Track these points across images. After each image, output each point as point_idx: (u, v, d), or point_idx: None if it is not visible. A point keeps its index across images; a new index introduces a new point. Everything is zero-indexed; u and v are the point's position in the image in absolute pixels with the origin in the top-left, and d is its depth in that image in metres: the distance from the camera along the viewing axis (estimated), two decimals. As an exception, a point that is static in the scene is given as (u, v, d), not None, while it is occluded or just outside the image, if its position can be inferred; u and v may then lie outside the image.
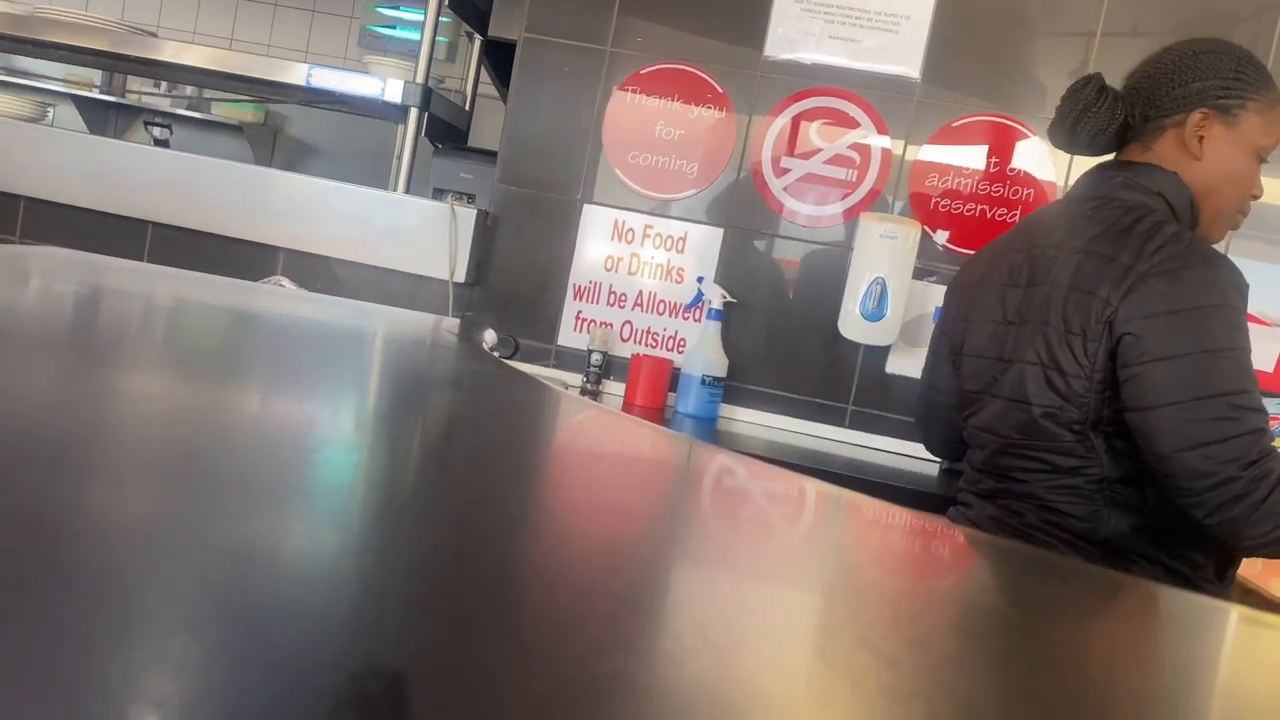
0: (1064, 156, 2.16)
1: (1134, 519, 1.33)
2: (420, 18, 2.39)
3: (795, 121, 2.24)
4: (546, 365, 2.32)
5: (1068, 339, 1.34)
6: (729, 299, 2.21)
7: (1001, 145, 2.19)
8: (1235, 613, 0.47)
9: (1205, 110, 1.38)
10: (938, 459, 2.05)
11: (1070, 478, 1.36)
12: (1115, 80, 1.50)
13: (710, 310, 2.20)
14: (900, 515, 0.57)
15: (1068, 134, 1.49)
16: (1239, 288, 1.27)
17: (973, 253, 2.20)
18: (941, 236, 2.21)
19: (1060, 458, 1.37)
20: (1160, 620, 0.46)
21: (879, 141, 2.22)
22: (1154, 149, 1.42)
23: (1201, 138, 1.39)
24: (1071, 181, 2.16)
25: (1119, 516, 1.34)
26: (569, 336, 2.32)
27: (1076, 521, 1.36)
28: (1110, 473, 1.34)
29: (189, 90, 4.51)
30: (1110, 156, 1.50)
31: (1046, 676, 0.32)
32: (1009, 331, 1.44)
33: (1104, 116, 1.44)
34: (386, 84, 2.33)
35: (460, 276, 2.25)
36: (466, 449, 0.54)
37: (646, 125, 2.28)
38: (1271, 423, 1.27)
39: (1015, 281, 1.46)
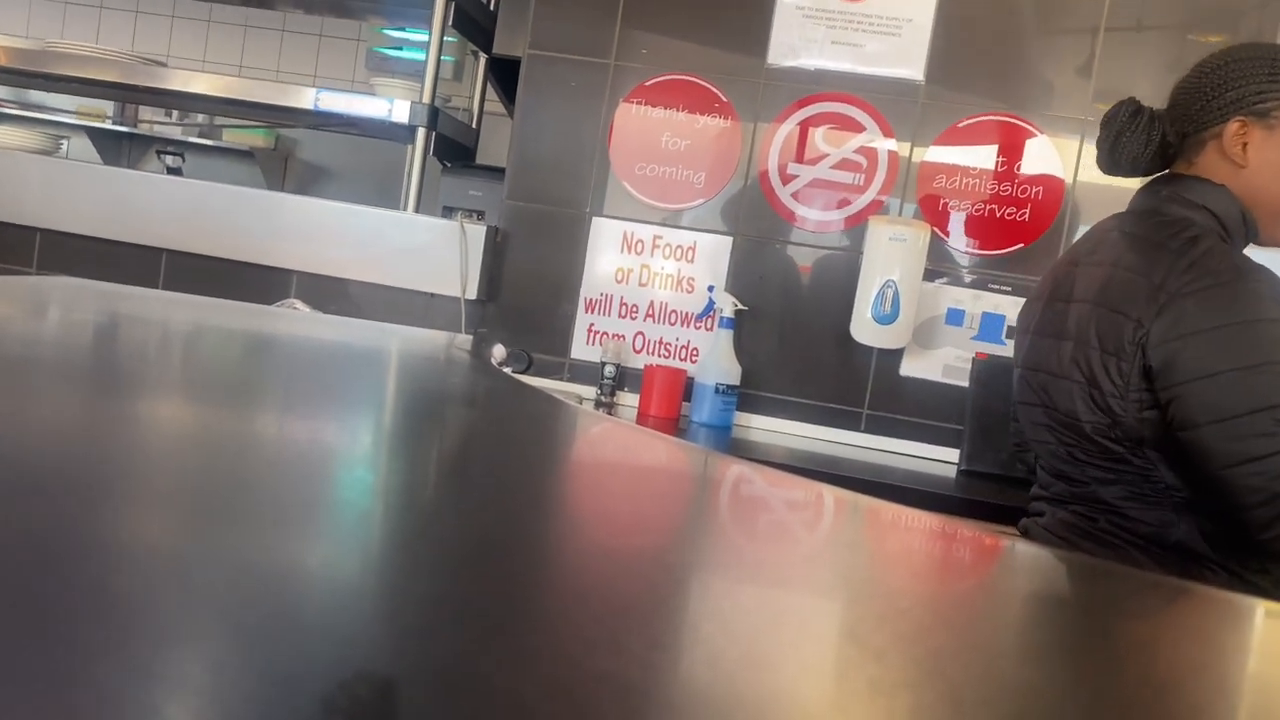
0: (1072, 154, 2.16)
1: (1205, 525, 1.32)
2: (425, 38, 2.41)
3: (801, 128, 2.25)
4: (560, 379, 2.32)
5: (1103, 358, 1.34)
6: (740, 307, 2.22)
7: (1009, 144, 2.18)
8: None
9: (1241, 118, 1.36)
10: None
11: (1134, 486, 1.35)
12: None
13: (722, 319, 2.20)
14: (918, 520, 0.57)
15: (1108, 159, 1.48)
16: (1278, 299, 1.25)
17: (984, 254, 2.20)
18: (953, 239, 2.21)
19: (1121, 467, 1.36)
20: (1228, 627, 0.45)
21: (885, 145, 2.22)
22: (1197, 163, 1.40)
23: (1245, 145, 1.36)
24: (1081, 179, 2.16)
25: (1189, 522, 1.32)
26: (582, 349, 2.32)
27: (1145, 526, 1.34)
28: (1174, 482, 1.32)
29: (200, 118, 4.55)
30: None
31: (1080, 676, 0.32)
32: (1056, 346, 1.44)
33: (1140, 139, 1.42)
34: (394, 105, 2.35)
35: (472, 293, 2.26)
36: (471, 465, 0.55)
37: (652, 137, 2.29)
38: None
39: (1061, 296, 1.47)
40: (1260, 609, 0.46)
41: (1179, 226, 1.34)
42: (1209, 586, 0.47)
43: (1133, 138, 1.43)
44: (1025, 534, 1.53)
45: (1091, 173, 2.16)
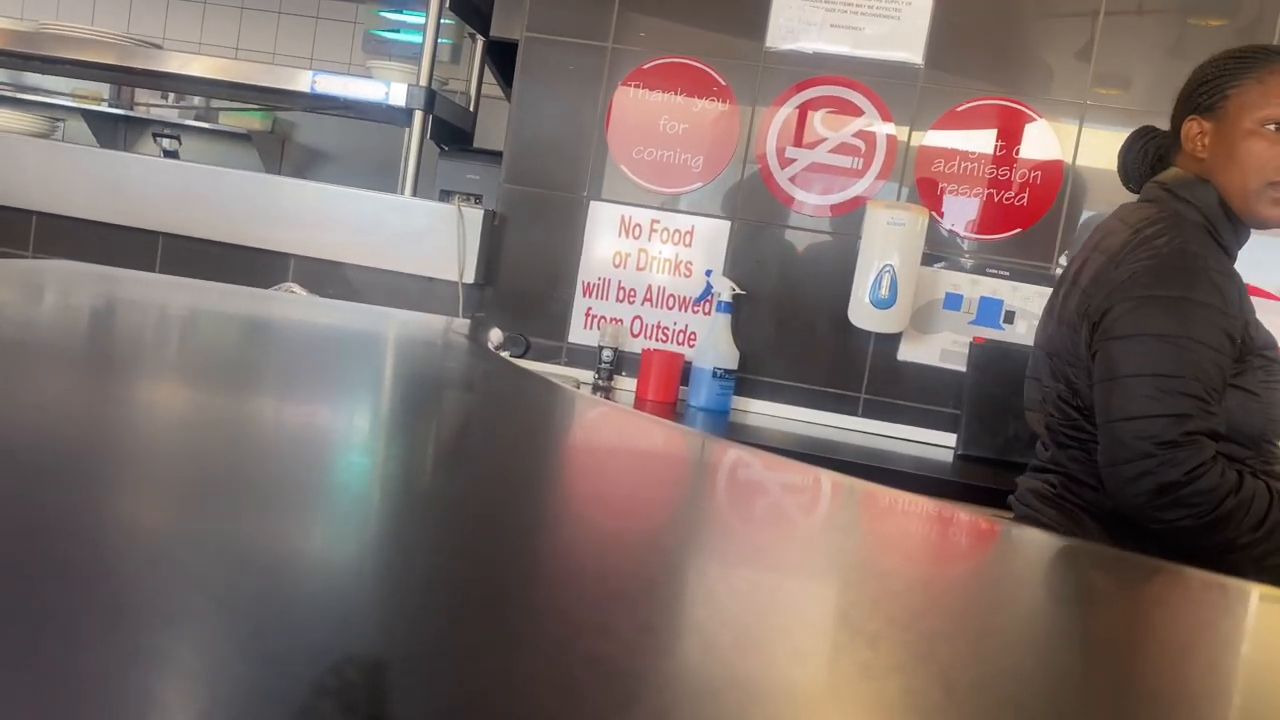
0: (1071, 138, 2.15)
1: None
2: (422, 21, 2.39)
3: (799, 111, 2.24)
4: (558, 363, 2.32)
5: (1061, 329, 1.47)
6: (738, 291, 2.21)
7: (1008, 128, 2.18)
8: (1214, 583, 0.47)
9: (1193, 117, 1.47)
10: None
11: (1088, 451, 1.42)
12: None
13: (720, 303, 2.20)
14: (903, 501, 0.57)
15: (1123, 175, 1.62)
16: (1219, 287, 1.33)
17: (982, 238, 2.20)
18: (952, 223, 2.20)
19: (1080, 435, 1.44)
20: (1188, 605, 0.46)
21: (884, 129, 2.21)
22: (1179, 162, 1.51)
23: (1205, 142, 1.46)
24: (1079, 163, 2.16)
25: None
26: (579, 333, 2.32)
27: (1089, 491, 1.43)
28: None
29: (196, 101, 4.52)
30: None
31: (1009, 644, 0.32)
32: (1049, 322, 1.55)
33: (1135, 152, 1.58)
34: (390, 88, 2.34)
35: (469, 277, 2.26)
36: (467, 449, 0.55)
37: (650, 120, 2.28)
38: None
39: (1066, 278, 1.56)
40: (1256, 593, 0.47)
41: (1156, 214, 1.44)
42: (1193, 569, 0.47)
43: (1129, 151, 1.60)
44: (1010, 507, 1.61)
45: (1090, 157, 2.16)
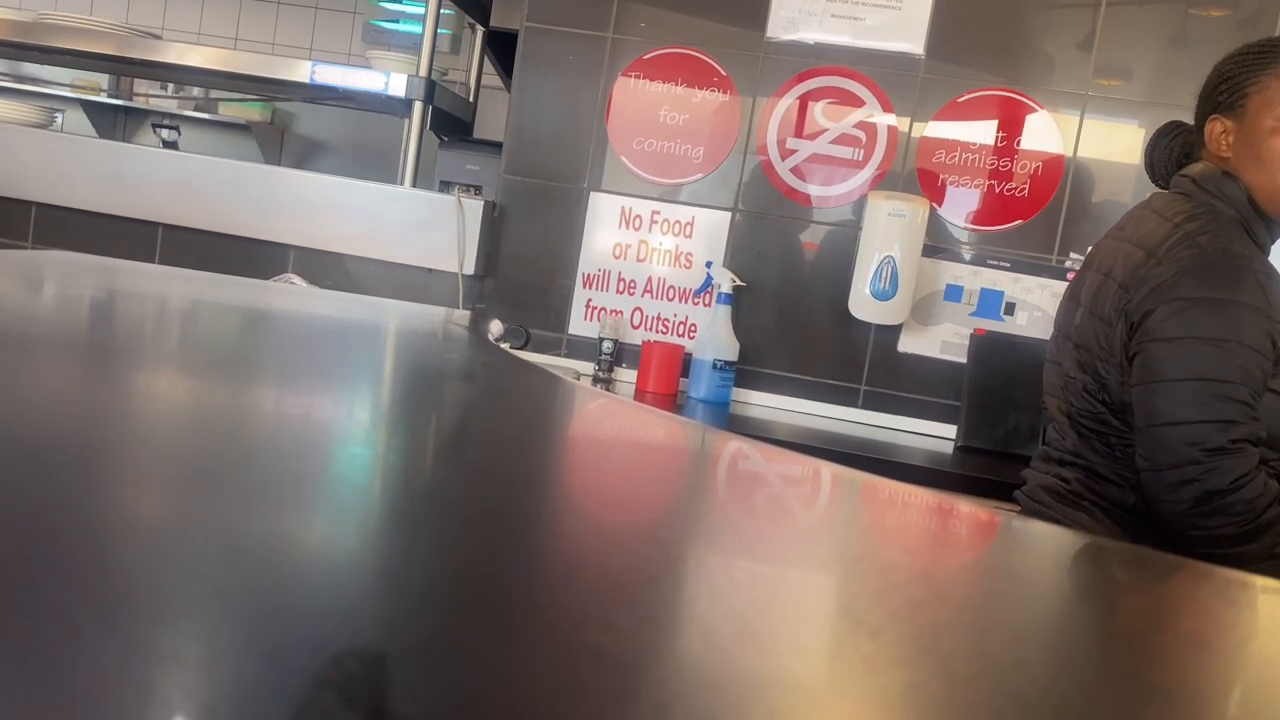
0: (1072, 129, 2.15)
1: None
2: (422, 11, 2.39)
3: (800, 102, 2.23)
4: (558, 354, 2.32)
5: (1094, 322, 1.43)
6: (738, 282, 2.21)
7: (1009, 119, 2.17)
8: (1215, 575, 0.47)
9: (1216, 116, 1.44)
10: None
11: (1111, 446, 1.42)
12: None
13: (720, 294, 2.20)
14: (902, 493, 0.57)
15: (1150, 172, 1.61)
16: (1264, 288, 1.30)
17: (983, 229, 2.20)
18: (952, 214, 2.20)
19: (1103, 429, 1.43)
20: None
21: (885, 119, 2.21)
22: (1206, 158, 1.48)
23: (1229, 141, 1.43)
24: (1080, 154, 2.15)
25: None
26: (580, 325, 2.32)
27: (1113, 487, 1.41)
28: None
29: (196, 91, 4.52)
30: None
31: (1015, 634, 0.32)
32: (1075, 310, 1.52)
33: (1162, 149, 1.57)
34: (390, 78, 2.33)
35: (469, 268, 2.25)
36: (467, 441, 0.55)
37: (651, 111, 2.27)
38: None
39: (1090, 265, 1.55)
40: (1258, 585, 0.46)
41: (1192, 207, 1.40)
42: (1197, 561, 0.47)
43: (1155, 150, 1.58)
44: (1017, 503, 1.59)
45: (1091, 148, 2.15)
